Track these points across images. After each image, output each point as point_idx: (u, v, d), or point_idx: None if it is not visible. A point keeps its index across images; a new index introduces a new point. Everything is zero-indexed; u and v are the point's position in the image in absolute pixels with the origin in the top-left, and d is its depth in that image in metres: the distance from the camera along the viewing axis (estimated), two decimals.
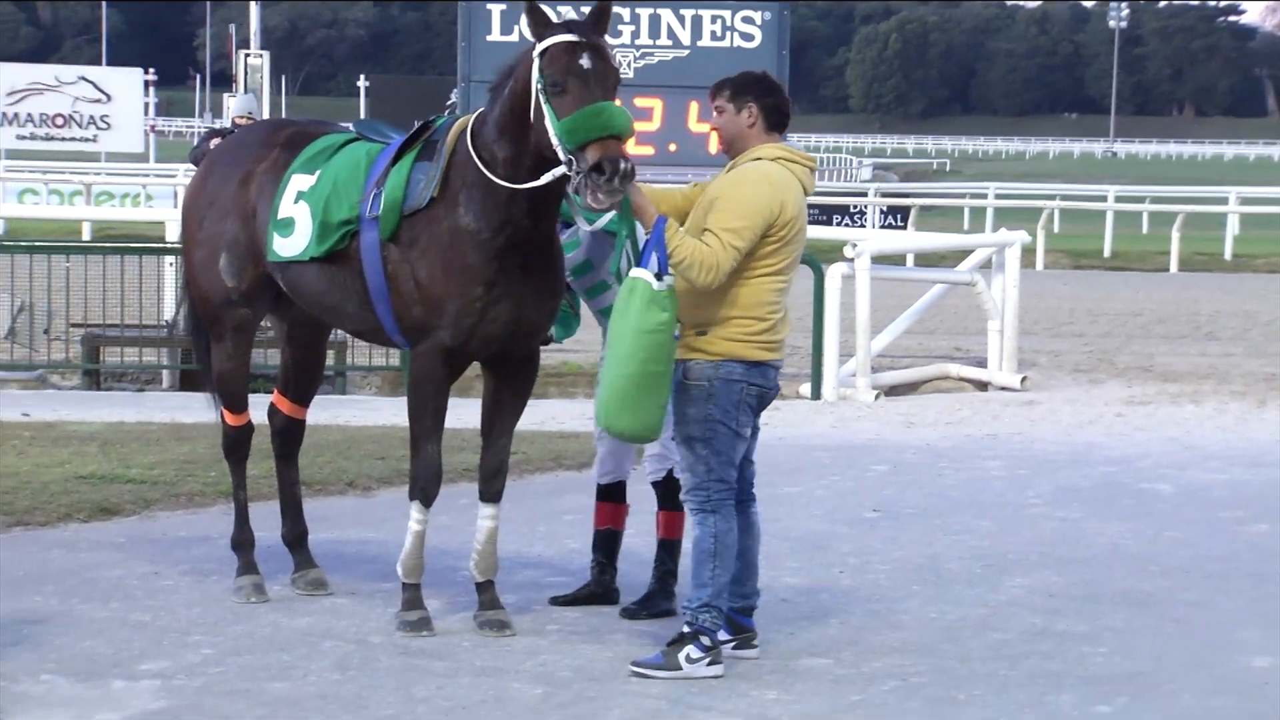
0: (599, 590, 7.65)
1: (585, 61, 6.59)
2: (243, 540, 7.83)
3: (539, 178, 6.73)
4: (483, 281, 6.89)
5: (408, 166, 7.04)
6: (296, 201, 7.29)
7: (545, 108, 6.60)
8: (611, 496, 7.69)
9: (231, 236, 7.56)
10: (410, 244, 6.96)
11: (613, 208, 6.59)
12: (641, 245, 6.70)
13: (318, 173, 7.30)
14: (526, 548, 8.82)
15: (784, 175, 6.65)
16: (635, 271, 6.54)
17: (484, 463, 7.26)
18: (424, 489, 7.11)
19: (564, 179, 6.65)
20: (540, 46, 6.66)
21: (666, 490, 7.51)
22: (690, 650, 6.62)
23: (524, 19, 6.81)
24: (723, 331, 6.62)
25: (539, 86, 6.63)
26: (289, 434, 8.01)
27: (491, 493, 7.21)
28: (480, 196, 6.87)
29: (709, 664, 6.64)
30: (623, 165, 6.40)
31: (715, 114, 6.81)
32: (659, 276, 6.50)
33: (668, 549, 7.58)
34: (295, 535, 7.93)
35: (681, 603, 6.90)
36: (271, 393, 8.22)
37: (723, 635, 6.78)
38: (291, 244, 7.29)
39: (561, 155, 6.54)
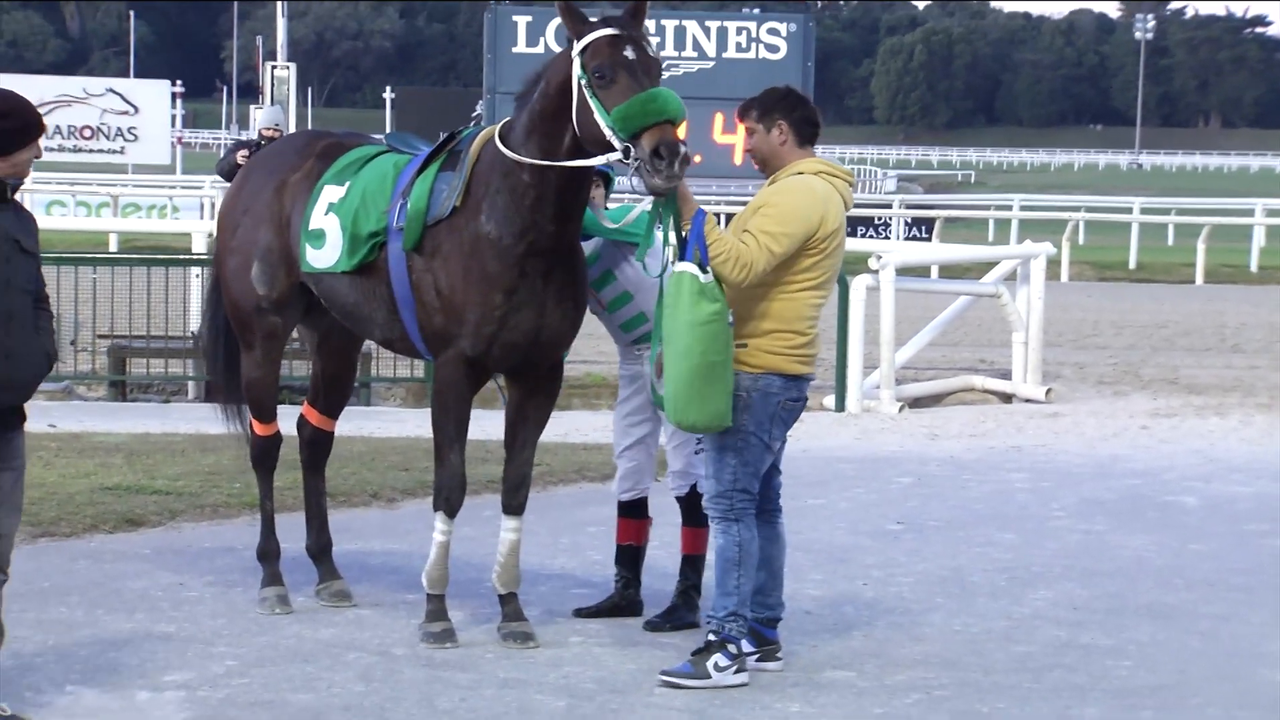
0: (622, 603, 7.66)
1: (629, 53, 6.63)
2: (268, 551, 7.85)
3: (574, 172, 6.76)
4: (503, 289, 6.90)
5: (431, 177, 7.09)
6: (327, 213, 7.34)
7: (592, 101, 6.61)
8: (633, 512, 7.69)
9: (265, 245, 7.61)
10: (433, 253, 7.00)
11: (665, 194, 6.54)
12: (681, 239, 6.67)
13: (347, 184, 7.36)
14: (550, 560, 8.83)
15: (826, 188, 6.70)
16: (679, 265, 6.55)
17: (507, 475, 7.26)
18: (448, 499, 7.12)
19: (590, 176, 6.87)
20: (581, 43, 6.67)
21: (690, 506, 7.50)
22: (718, 659, 6.64)
23: (561, 19, 6.83)
24: (763, 344, 6.65)
25: (582, 81, 6.64)
26: (317, 445, 8.04)
27: (514, 505, 7.22)
28: (504, 203, 6.90)
29: (735, 672, 6.66)
30: (681, 149, 6.46)
31: (747, 136, 6.86)
32: (702, 269, 6.52)
33: (692, 564, 7.58)
34: (320, 547, 7.94)
35: (706, 612, 6.90)
36: (298, 404, 8.25)
37: (746, 646, 6.79)
38: (324, 256, 7.34)
39: (617, 144, 6.52)
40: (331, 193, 7.39)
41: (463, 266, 6.93)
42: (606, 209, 7.59)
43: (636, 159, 6.46)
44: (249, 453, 8.06)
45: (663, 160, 6.40)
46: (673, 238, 6.64)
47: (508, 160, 6.90)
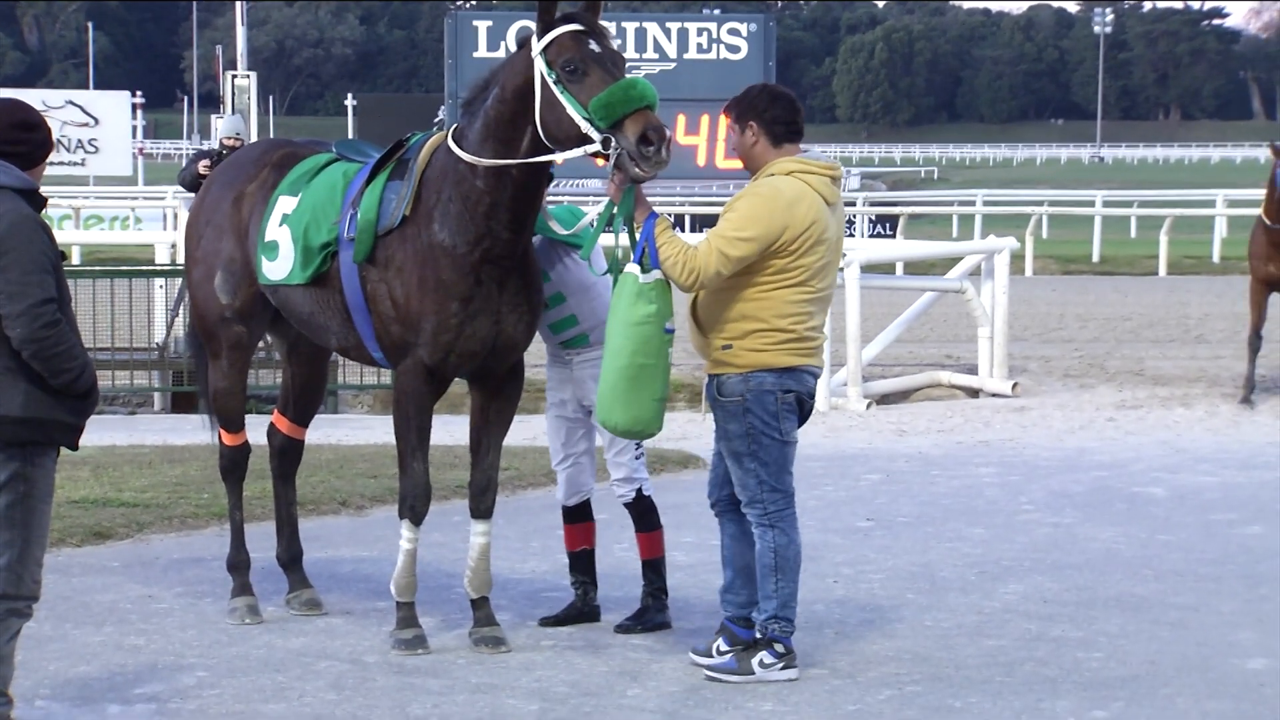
0: (585, 609, 7.64)
1: (595, 46, 6.66)
2: (239, 562, 7.82)
3: (529, 179, 6.78)
4: (459, 297, 6.90)
5: (380, 186, 7.07)
6: (280, 224, 7.34)
7: (564, 96, 6.57)
8: (579, 517, 7.66)
9: (227, 255, 7.62)
10: (386, 263, 6.99)
11: (647, 180, 6.54)
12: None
13: (299, 195, 7.36)
14: (520, 563, 8.82)
15: (797, 188, 6.63)
16: (628, 266, 6.57)
17: (474, 479, 7.27)
18: (413, 507, 7.10)
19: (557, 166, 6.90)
20: (543, 41, 6.65)
21: (639, 511, 7.53)
22: (763, 656, 6.71)
23: (537, 16, 6.78)
24: (746, 344, 6.66)
25: (550, 78, 6.61)
26: (288, 454, 8.02)
27: (482, 509, 7.23)
28: (457, 211, 6.89)
29: (782, 668, 6.72)
30: (666, 133, 6.49)
31: (728, 137, 6.92)
32: (645, 270, 6.53)
33: (654, 568, 7.57)
34: (290, 556, 7.92)
35: (752, 613, 6.82)
36: (267, 413, 8.23)
37: (723, 645, 6.79)
38: (278, 268, 7.35)
39: (596, 135, 6.48)
40: (285, 204, 7.39)
41: (417, 276, 6.92)
42: (549, 208, 7.51)
43: (619, 148, 6.43)
44: (218, 463, 8.02)
45: (651, 145, 6.40)
46: (624, 239, 6.66)
47: (461, 167, 6.88)
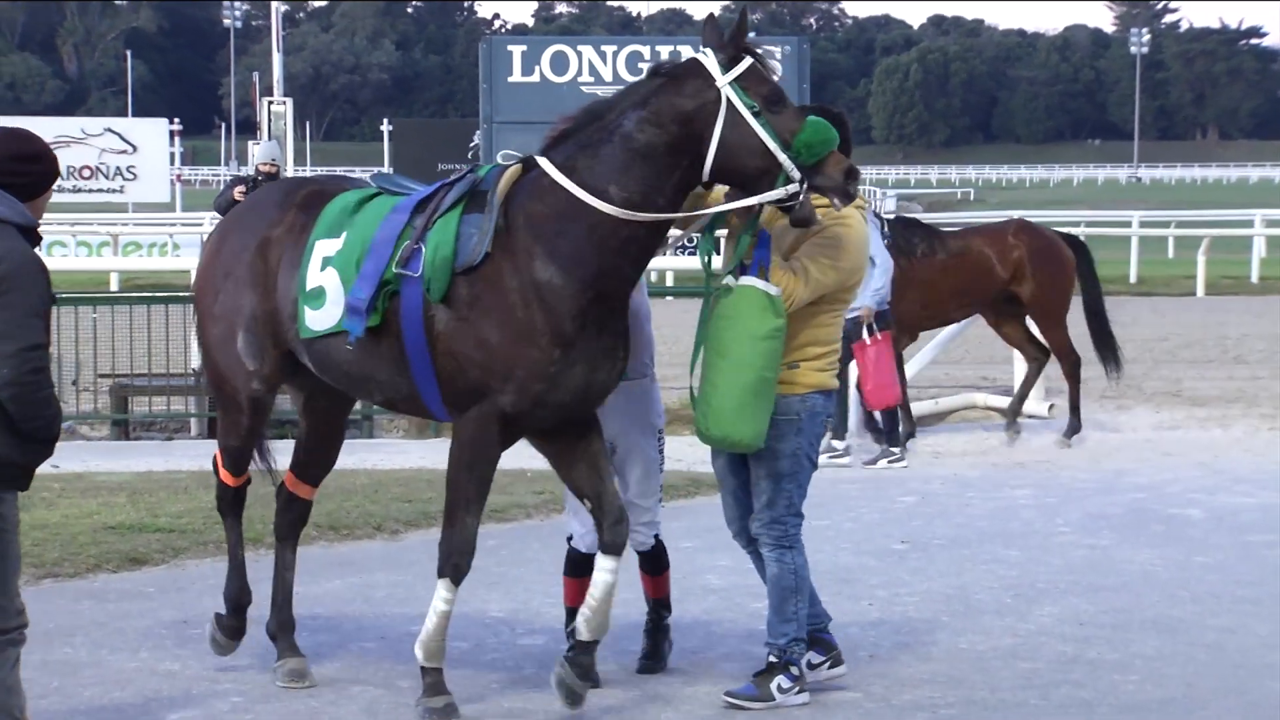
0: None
1: (774, 77, 6.51)
2: (241, 600, 7.28)
3: (677, 208, 6.42)
4: (561, 343, 6.33)
5: (455, 220, 6.44)
6: (324, 269, 6.65)
7: (764, 130, 6.26)
8: (585, 570, 6.87)
9: (250, 312, 6.87)
10: (469, 302, 6.36)
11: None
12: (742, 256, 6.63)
13: (343, 235, 6.67)
14: (554, 587, 8.80)
15: (863, 223, 6.81)
16: (746, 279, 6.52)
17: (603, 511, 6.55)
18: (456, 565, 6.50)
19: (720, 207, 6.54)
20: (741, 68, 6.36)
21: (654, 554, 7.19)
22: (780, 680, 6.69)
23: (714, 40, 6.44)
24: (812, 365, 6.73)
25: (750, 108, 6.30)
26: (293, 513, 7.39)
27: (615, 544, 6.52)
28: (570, 247, 6.31)
29: (797, 692, 6.73)
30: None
31: None
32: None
33: (663, 604, 7.30)
34: (280, 624, 7.27)
35: (768, 638, 6.79)
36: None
37: (814, 658, 6.88)
38: (325, 316, 6.64)
39: (796, 173, 6.25)
40: (325, 246, 6.69)
41: (511, 317, 6.31)
42: None
43: (819, 185, 6.30)
44: (215, 501, 7.45)
45: (853, 182, 6.38)
46: (724, 255, 6.66)
47: (576, 199, 6.32)
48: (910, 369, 16.28)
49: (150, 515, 10.50)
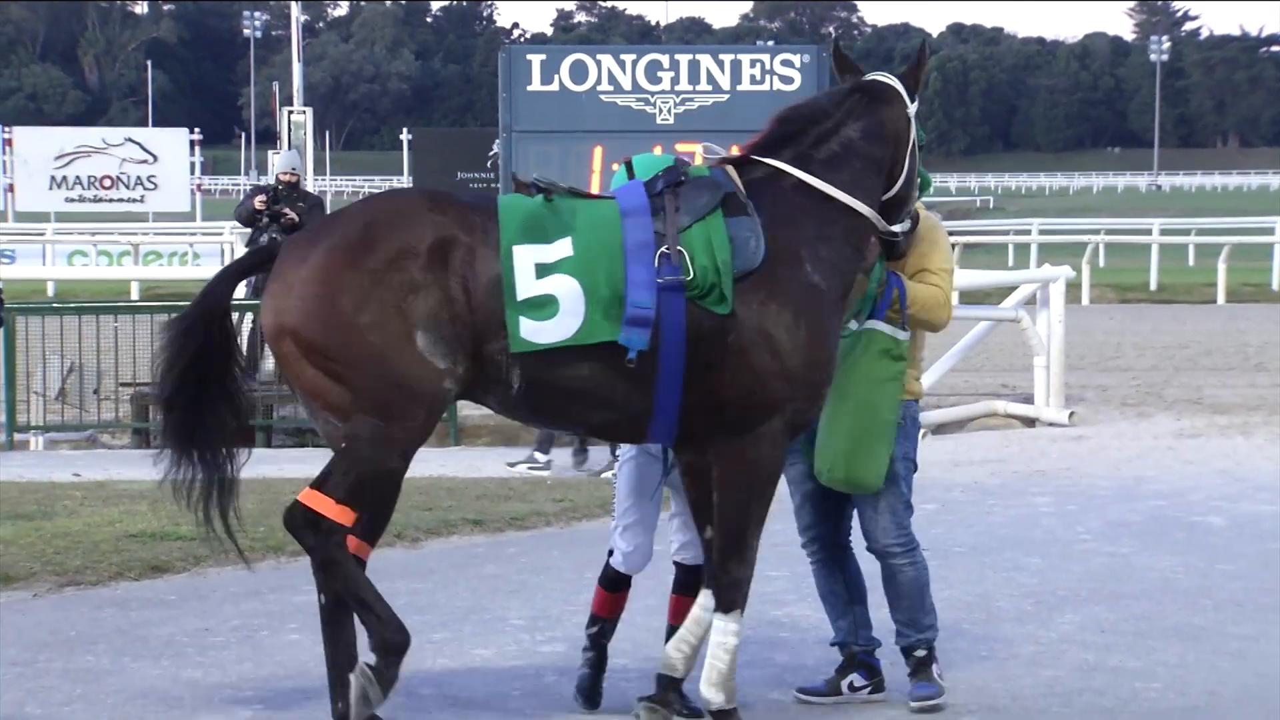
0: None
1: None
2: (395, 636, 6.32)
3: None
4: (836, 345, 6.36)
5: (721, 222, 6.17)
6: (543, 276, 6.07)
7: (919, 166, 6.58)
8: (621, 585, 6.83)
9: (430, 314, 6.05)
10: (759, 309, 6.12)
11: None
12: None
13: (563, 240, 6.13)
14: (575, 595, 8.81)
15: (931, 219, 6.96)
16: (871, 323, 6.60)
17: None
18: (745, 594, 6.30)
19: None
20: (914, 107, 6.54)
21: (693, 574, 6.80)
22: (936, 669, 6.88)
23: (913, 77, 6.63)
24: (913, 371, 6.85)
25: (920, 143, 6.54)
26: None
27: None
28: (829, 253, 6.28)
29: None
30: None
31: None
32: (901, 327, 6.62)
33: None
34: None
35: (913, 636, 6.87)
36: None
37: (857, 680, 6.94)
38: (556, 327, 6.06)
39: (910, 210, 6.56)
40: (534, 252, 6.10)
41: (805, 321, 6.15)
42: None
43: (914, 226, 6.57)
44: (327, 546, 6.23)
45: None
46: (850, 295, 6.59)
47: (836, 202, 6.34)
48: (930, 377, 16.28)
49: (172, 523, 10.48)
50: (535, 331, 6.06)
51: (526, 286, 6.07)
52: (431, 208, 6.22)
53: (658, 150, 7.48)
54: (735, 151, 6.51)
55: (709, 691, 6.28)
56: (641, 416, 6.17)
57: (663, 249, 6.09)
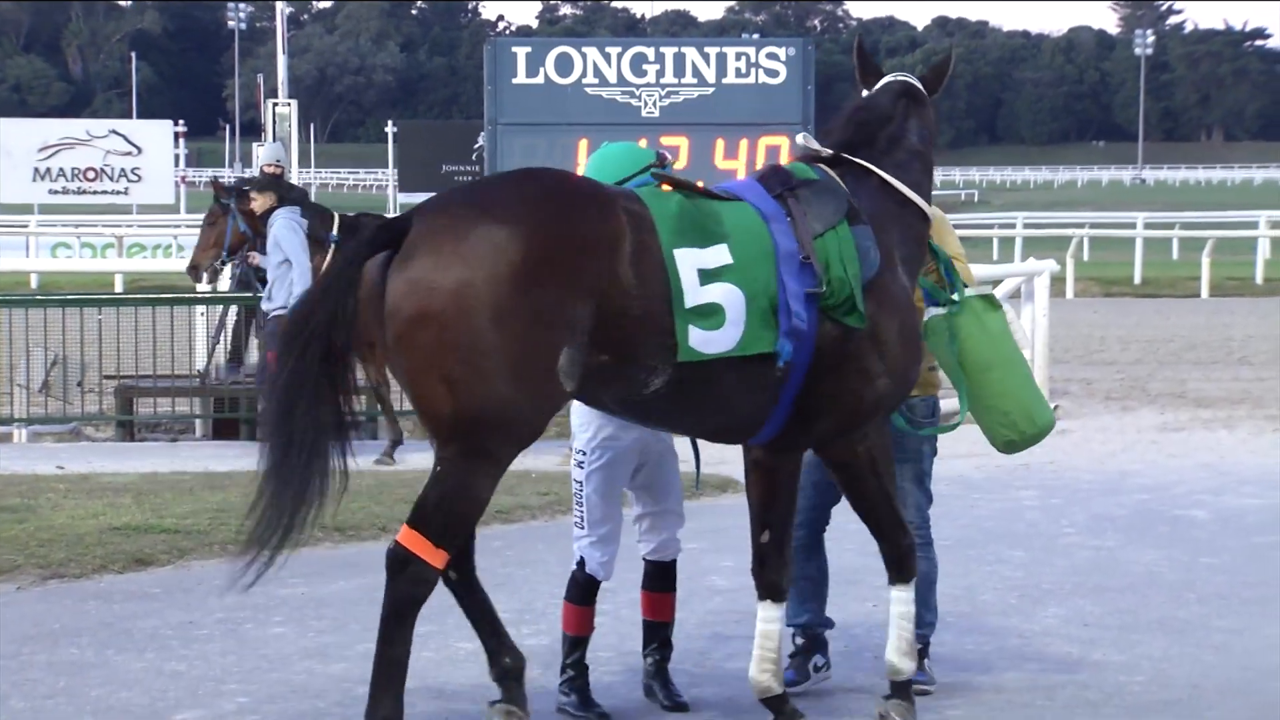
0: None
1: None
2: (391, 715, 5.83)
3: None
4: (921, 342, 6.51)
5: (849, 232, 6.13)
6: (707, 283, 5.82)
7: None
8: (590, 598, 6.74)
9: (582, 326, 5.61)
10: (872, 316, 6.10)
11: None
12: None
13: (723, 246, 5.90)
14: (560, 588, 8.79)
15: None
16: (957, 296, 6.69)
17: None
18: (914, 563, 6.50)
19: None
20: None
21: (665, 570, 6.83)
22: (927, 663, 6.98)
23: (942, 80, 6.76)
24: (929, 363, 6.88)
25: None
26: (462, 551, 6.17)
27: (780, 587, 6.49)
28: (907, 255, 6.40)
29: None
30: None
31: None
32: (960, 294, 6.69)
33: (655, 630, 6.86)
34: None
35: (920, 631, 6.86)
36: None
37: (819, 660, 7.07)
38: (723, 337, 5.84)
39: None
40: (694, 256, 5.83)
41: (903, 323, 6.22)
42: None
43: None
44: (399, 598, 5.78)
45: None
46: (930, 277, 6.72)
47: (913, 208, 6.45)
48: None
49: (156, 516, 10.51)
50: (705, 341, 5.81)
51: (694, 293, 5.79)
52: (613, 194, 5.85)
53: (643, 143, 7.44)
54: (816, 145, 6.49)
55: (900, 661, 6.42)
56: (759, 421, 6.10)
57: (803, 257, 5.99)
